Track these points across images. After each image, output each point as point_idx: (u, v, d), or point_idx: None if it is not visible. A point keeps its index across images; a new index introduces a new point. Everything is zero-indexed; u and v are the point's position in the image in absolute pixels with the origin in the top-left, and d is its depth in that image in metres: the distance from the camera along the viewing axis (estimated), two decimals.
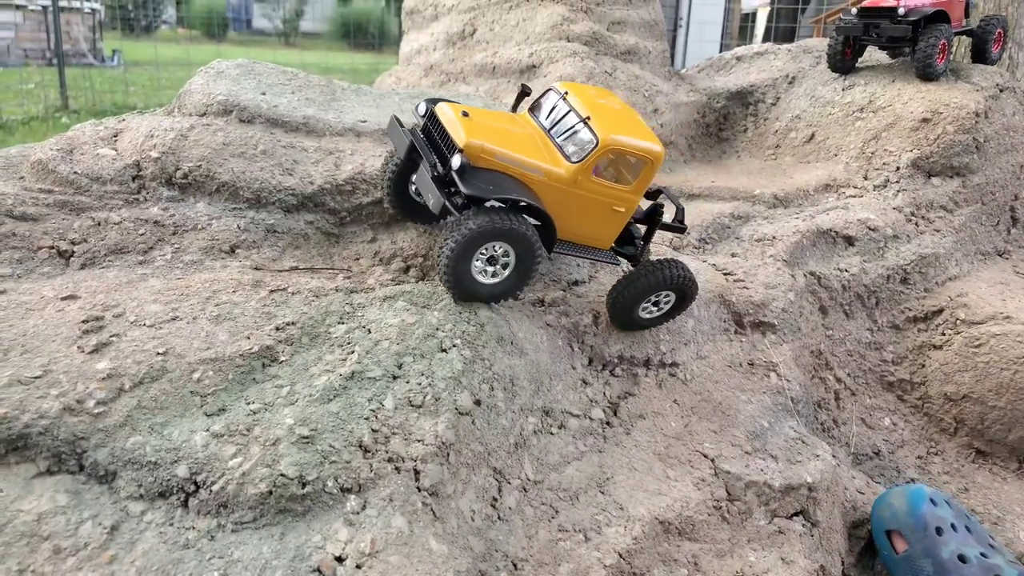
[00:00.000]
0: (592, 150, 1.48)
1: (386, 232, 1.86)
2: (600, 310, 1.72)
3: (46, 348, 1.32)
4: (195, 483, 1.20)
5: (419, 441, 1.31)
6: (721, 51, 7.38)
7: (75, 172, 1.76)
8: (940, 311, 2.37)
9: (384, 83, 3.80)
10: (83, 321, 1.39)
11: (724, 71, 3.63)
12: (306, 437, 1.26)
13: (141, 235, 1.69)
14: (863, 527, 1.76)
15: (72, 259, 1.61)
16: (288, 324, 1.47)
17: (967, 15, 3.12)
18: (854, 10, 2.98)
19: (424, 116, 1.60)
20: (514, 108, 1.78)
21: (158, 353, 1.34)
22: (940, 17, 2.85)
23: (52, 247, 1.61)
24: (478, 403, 1.41)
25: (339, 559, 1.16)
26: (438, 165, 1.50)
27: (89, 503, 1.17)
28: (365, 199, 1.87)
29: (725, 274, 2.09)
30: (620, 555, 1.36)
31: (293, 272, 1.70)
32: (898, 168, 2.68)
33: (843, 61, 3.07)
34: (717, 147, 3.27)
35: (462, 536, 1.28)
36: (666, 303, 1.69)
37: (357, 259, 1.80)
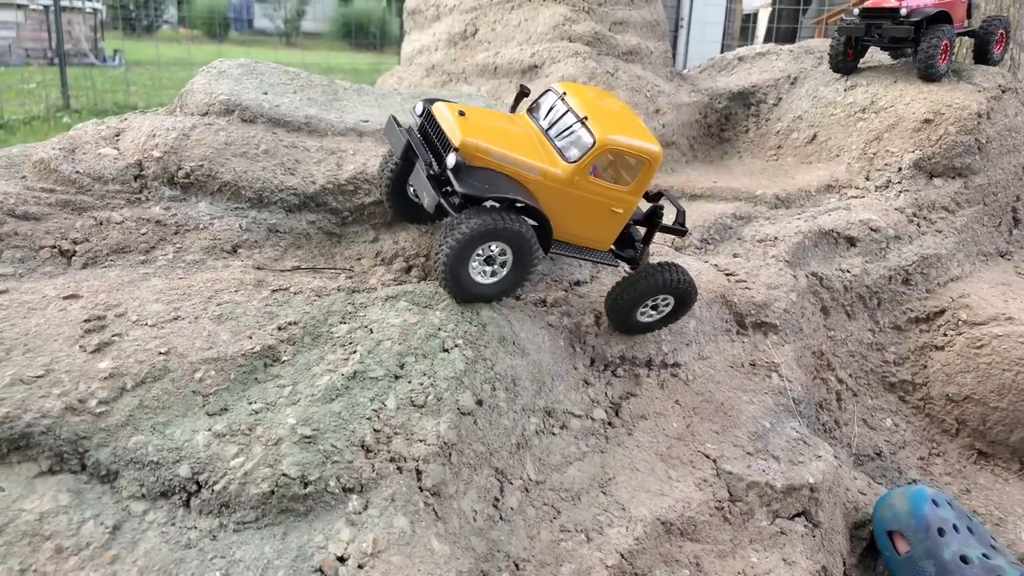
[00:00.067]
0: (589, 150, 1.48)
1: (388, 232, 1.86)
2: (602, 311, 1.72)
3: (48, 347, 1.32)
4: (197, 483, 1.20)
5: (421, 441, 1.31)
6: (722, 51, 7.39)
7: (77, 171, 1.76)
8: (942, 312, 2.36)
9: (386, 83, 3.80)
10: (85, 320, 1.39)
11: (726, 71, 3.63)
12: (308, 437, 1.26)
13: (143, 235, 1.69)
14: (865, 528, 1.75)
15: (74, 258, 1.61)
16: (290, 324, 1.47)
17: (969, 16, 3.12)
18: (856, 11, 2.98)
19: (421, 116, 1.60)
20: (513, 108, 1.77)
21: (160, 353, 1.34)
22: (942, 18, 2.85)
23: (54, 246, 1.61)
24: (480, 403, 1.41)
25: (341, 559, 1.16)
26: (433, 164, 1.49)
27: (91, 503, 1.17)
28: (367, 199, 1.87)
29: (727, 275, 2.09)
30: (622, 555, 1.36)
31: (295, 272, 1.70)
32: (900, 169, 2.68)
33: (845, 62, 3.07)
34: (719, 147, 3.27)
35: (464, 536, 1.28)
36: (665, 307, 1.68)
37: (359, 259, 1.80)
